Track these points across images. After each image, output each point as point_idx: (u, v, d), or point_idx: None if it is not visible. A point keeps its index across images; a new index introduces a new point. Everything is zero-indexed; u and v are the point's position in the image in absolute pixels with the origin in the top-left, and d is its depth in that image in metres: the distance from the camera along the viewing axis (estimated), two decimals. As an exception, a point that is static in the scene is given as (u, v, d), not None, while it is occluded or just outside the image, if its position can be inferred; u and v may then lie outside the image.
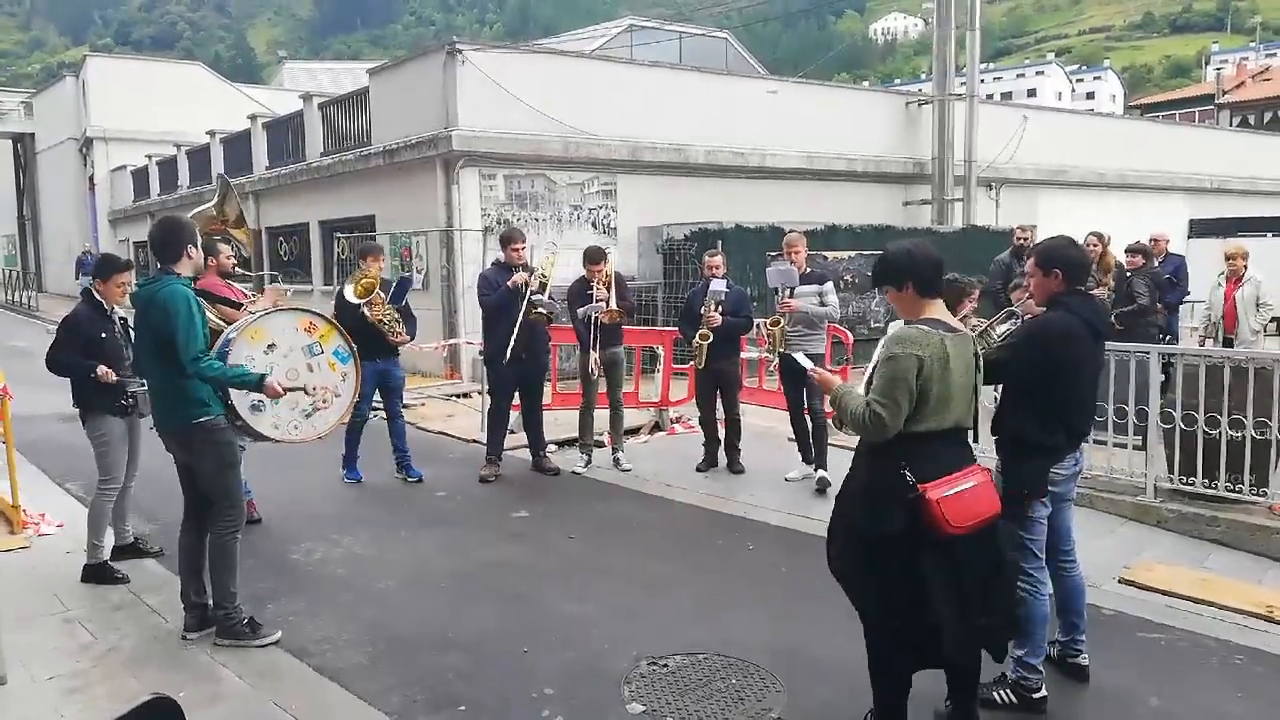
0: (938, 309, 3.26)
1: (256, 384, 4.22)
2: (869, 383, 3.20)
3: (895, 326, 3.39)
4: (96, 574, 5.10)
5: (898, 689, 3.27)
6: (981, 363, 3.32)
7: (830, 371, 3.94)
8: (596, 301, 7.16)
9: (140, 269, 21.88)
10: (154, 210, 25.01)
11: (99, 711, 3.70)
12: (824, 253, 12.46)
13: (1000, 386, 3.79)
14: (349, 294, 6.87)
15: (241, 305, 5.27)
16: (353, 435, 7.18)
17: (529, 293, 7.03)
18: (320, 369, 4.77)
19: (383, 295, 6.96)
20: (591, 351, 7.24)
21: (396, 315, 7.03)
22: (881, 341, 3.26)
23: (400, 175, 13.47)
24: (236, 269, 5.98)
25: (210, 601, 4.39)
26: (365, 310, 6.78)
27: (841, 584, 3.32)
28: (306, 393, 4.62)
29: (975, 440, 3.33)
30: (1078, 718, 3.73)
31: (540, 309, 7.11)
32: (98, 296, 5.19)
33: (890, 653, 3.23)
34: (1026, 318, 4.01)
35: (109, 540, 5.30)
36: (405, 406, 10.55)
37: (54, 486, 7.04)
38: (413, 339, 7.30)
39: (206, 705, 3.76)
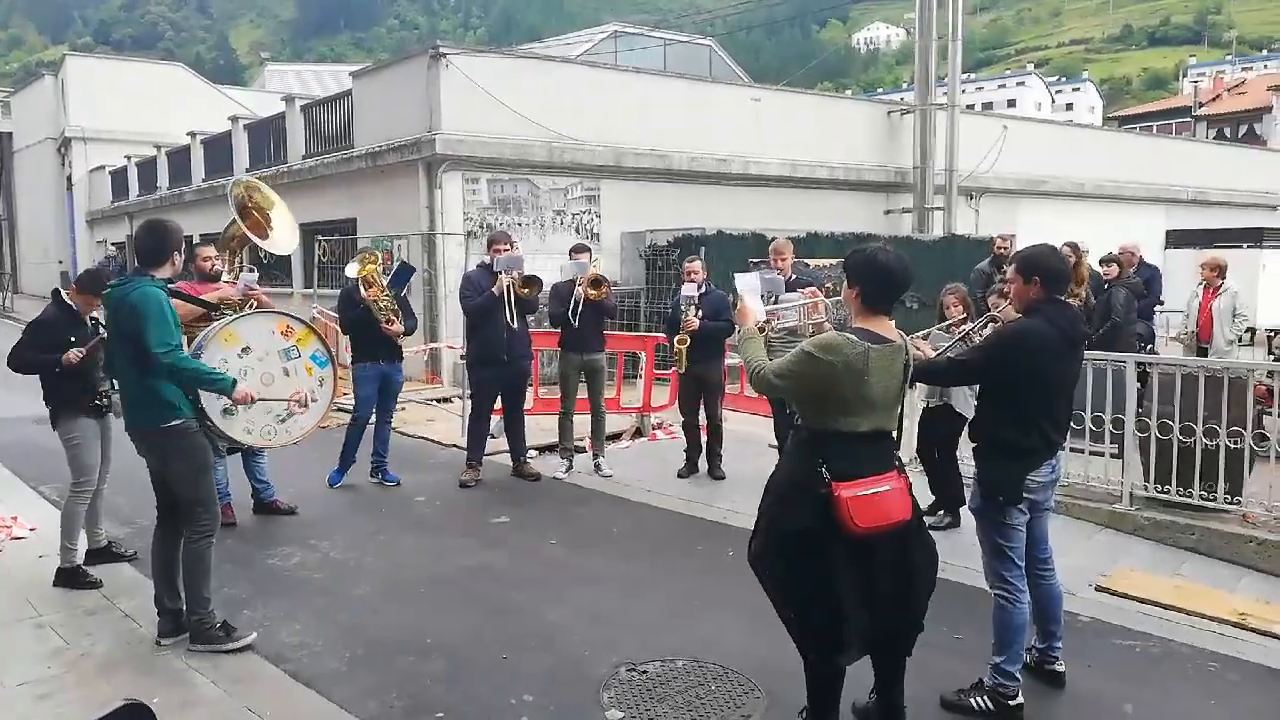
0: (879, 324, 3.24)
1: (229, 388, 4.18)
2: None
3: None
4: (69, 578, 5.02)
5: (826, 684, 3.29)
6: (911, 372, 3.35)
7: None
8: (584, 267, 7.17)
9: (120, 271, 21.65)
10: (132, 211, 24.81)
11: (71, 718, 3.66)
12: (806, 260, 12.48)
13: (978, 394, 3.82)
14: (351, 270, 6.88)
15: (217, 306, 5.18)
16: (353, 438, 7.20)
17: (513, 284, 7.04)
18: (297, 373, 4.71)
19: (382, 280, 6.95)
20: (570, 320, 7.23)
21: (394, 304, 6.98)
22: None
23: (382, 178, 13.42)
24: (215, 269, 5.89)
25: (184, 607, 4.33)
26: (361, 288, 6.78)
27: (758, 577, 3.33)
28: (278, 401, 4.57)
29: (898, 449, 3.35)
30: (1054, 724, 3.76)
31: (526, 288, 7.09)
32: (68, 301, 5.11)
33: (809, 646, 3.26)
34: (1005, 322, 4.05)
35: (82, 544, 5.22)
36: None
37: (27, 489, 6.95)
38: (409, 334, 7.21)
39: (180, 711, 3.72)
